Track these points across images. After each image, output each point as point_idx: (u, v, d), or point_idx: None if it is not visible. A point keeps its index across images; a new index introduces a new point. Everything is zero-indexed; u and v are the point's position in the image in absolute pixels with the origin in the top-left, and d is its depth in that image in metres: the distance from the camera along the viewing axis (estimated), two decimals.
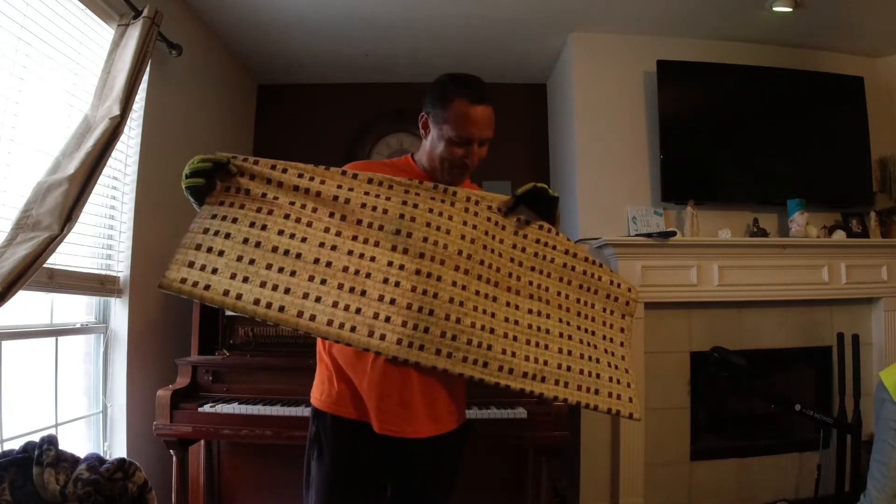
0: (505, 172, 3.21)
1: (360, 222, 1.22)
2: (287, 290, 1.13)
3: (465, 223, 1.27)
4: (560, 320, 1.33)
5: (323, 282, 1.15)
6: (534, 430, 2.08)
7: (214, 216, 1.18)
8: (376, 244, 1.21)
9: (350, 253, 1.19)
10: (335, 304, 1.14)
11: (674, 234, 2.76)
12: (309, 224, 1.20)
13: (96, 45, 2.11)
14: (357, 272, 1.17)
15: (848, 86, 3.02)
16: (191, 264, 1.13)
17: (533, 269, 1.34)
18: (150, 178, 2.38)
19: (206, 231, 1.16)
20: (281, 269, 1.14)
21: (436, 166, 1.37)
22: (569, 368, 1.28)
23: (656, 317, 2.80)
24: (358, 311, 1.14)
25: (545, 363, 1.25)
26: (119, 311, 2.26)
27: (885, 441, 1.97)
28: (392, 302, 1.16)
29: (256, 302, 1.10)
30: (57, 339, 2.02)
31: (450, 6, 2.76)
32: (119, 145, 2.09)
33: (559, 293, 1.36)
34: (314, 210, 1.22)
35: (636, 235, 2.81)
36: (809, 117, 3.01)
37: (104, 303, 2.26)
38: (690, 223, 2.83)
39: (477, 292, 1.23)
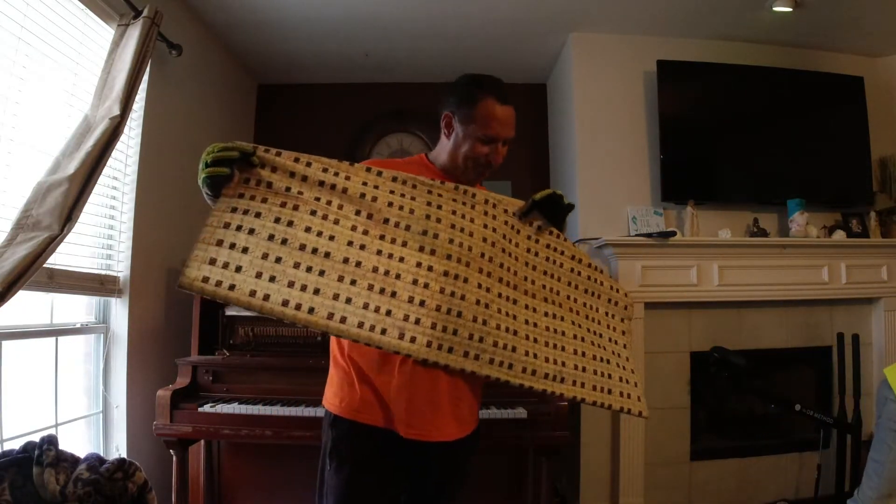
0: (505, 172, 3.18)
1: (386, 221, 1.19)
2: (316, 291, 1.08)
3: (485, 226, 1.27)
4: (572, 322, 1.34)
5: (353, 282, 1.11)
6: (534, 429, 2.08)
7: (234, 209, 1.10)
8: (404, 244, 1.18)
9: (379, 253, 1.16)
10: (366, 306, 1.10)
11: (674, 234, 2.76)
12: (336, 221, 1.16)
13: (96, 45, 2.11)
14: (387, 273, 1.14)
15: (848, 86, 3.02)
16: (212, 261, 1.05)
17: (545, 272, 1.35)
18: (150, 178, 2.38)
19: (227, 225, 1.09)
20: (309, 269, 1.09)
21: (458, 165, 1.38)
22: (584, 369, 1.30)
23: (656, 317, 2.80)
24: (388, 313, 1.11)
25: (563, 364, 1.27)
26: (119, 311, 2.26)
27: (883, 441, 1.96)
28: (422, 304, 1.14)
29: (285, 303, 1.05)
30: (57, 339, 2.02)
31: (450, 6, 2.76)
32: (119, 145, 2.09)
33: (568, 297, 1.37)
34: (340, 207, 1.17)
35: (636, 235, 2.81)
36: (809, 117, 3.01)
37: (104, 303, 2.26)
38: (690, 223, 2.83)
39: (499, 294, 1.24)
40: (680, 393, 2.84)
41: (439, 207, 1.23)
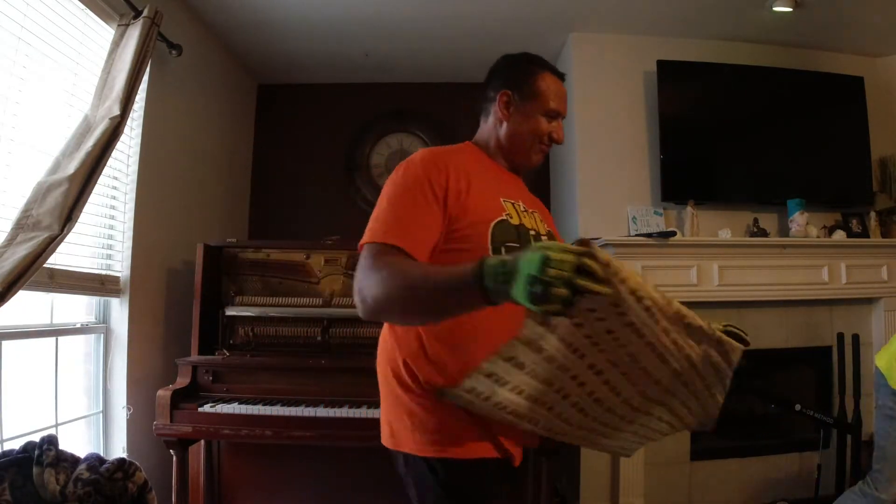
0: None
1: (643, 368, 1.02)
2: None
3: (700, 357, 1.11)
4: (647, 413, 1.21)
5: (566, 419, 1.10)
6: None
7: (529, 342, 0.87)
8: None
9: (590, 395, 1.06)
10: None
11: (674, 234, 2.76)
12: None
13: (96, 45, 2.11)
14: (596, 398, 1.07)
15: (848, 86, 3.02)
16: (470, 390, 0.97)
17: (678, 375, 1.10)
18: (150, 178, 2.38)
19: (510, 359, 0.91)
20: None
21: (521, 145, 1.30)
22: (605, 435, 1.23)
23: None
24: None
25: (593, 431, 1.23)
26: (119, 311, 2.26)
27: (881, 427, 1.99)
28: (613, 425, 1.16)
29: None
30: (57, 339, 2.02)
31: (449, 6, 2.76)
32: (119, 145, 2.09)
33: (672, 394, 1.19)
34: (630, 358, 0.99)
35: (636, 235, 2.80)
36: (809, 117, 3.00)
37: (104, 303, 2.26)
38: (690, 223, 2.83)
39: (626, 401, 1.14)
40: None
41: (692, 366, 1.06)
